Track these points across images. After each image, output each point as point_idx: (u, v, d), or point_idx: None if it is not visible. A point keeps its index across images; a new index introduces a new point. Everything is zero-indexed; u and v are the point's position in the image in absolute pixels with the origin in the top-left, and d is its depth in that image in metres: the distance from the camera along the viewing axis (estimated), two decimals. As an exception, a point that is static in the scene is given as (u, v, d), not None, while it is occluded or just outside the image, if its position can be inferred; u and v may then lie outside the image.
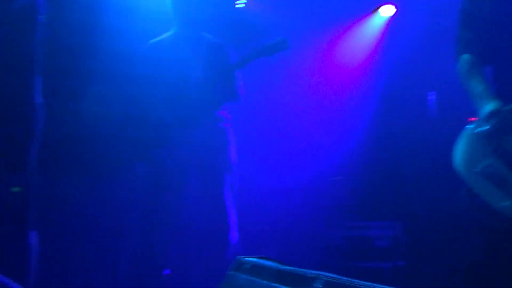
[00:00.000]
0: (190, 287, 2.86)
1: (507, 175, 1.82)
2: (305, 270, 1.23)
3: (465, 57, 2.10)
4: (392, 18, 5.08)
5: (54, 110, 2.05)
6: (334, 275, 1.08)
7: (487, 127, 1.89)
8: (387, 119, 4.80)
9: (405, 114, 4.61)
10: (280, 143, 4.85)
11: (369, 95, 5.00)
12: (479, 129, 1.92)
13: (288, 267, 1.32)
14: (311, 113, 4.96)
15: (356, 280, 1.03)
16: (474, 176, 1.87)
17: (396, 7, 4.99)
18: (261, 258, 1.51)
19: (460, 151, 1.96)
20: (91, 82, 3.08)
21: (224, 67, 2.77)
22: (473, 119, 2.02)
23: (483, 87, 2.00)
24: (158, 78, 2.75)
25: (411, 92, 4.61)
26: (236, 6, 4.41)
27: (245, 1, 4.49)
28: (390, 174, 4.28)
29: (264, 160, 4.62)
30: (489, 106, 1.92)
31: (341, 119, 4.98)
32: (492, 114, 1.90)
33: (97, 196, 3.28)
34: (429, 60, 4.45)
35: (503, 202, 1.79)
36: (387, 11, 5.09)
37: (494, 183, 1.82)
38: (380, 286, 0.95)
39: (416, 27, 4.69)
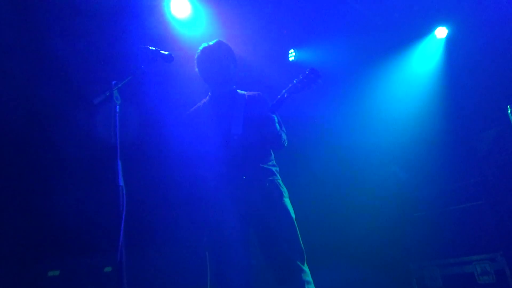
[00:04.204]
0: None
1: None
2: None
3: None
4: (447, 39, 4.95)
5: (131, 191, 2.12)
6: None
7: None
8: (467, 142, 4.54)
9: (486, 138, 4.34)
10: (344, 178, 4.70)
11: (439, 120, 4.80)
12: None
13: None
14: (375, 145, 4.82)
15: None
16: None
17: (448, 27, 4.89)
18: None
19: None
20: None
21: (262, 114, 2.71)
22: None
23: None
24: (204, 140, 2.75)
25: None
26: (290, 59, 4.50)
27: (295, 54, 4.59)
28: (479, 199, 3.91)
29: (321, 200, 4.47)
30: None
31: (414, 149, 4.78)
32: None
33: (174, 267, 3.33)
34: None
35: None
36: (442, 33, 4.97)
37: None
38: None
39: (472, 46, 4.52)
